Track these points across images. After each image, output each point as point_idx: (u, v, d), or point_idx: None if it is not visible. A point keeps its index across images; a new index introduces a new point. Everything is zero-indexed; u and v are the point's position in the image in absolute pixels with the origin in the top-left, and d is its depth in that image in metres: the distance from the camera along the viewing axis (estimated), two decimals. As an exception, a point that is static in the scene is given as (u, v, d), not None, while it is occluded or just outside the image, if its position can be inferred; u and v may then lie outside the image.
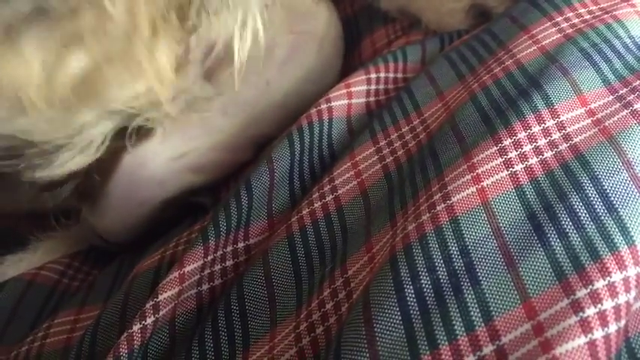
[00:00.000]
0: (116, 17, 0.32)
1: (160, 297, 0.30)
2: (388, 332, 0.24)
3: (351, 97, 0.40)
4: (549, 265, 0.24)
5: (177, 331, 0.31)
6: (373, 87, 0.42)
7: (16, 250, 0.46)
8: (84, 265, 0.45)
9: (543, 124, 0.30)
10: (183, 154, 0.41)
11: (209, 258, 0.32)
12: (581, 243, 0.25)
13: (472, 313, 0.24)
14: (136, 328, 0.29)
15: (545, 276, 0.24)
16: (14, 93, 0.32)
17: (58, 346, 0.35)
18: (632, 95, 0.30)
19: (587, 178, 0.27)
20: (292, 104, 0.45)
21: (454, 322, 0.24)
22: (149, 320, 0.29)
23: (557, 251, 0.25)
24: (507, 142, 0.29)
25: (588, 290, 0.23)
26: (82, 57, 0.33)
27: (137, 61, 0.34)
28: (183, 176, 0.41)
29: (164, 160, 0.41)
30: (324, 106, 0.39)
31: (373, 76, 0.42)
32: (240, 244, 0.34)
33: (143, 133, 0.40)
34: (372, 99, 0.42)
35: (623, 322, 0.23)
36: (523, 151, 0.29)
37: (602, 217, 0.25)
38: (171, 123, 0.40)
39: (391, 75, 0.43)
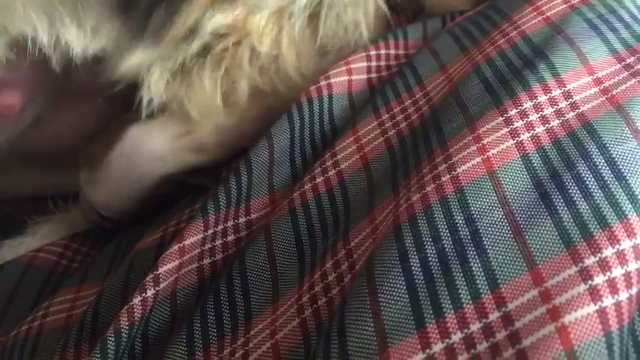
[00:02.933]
0: (264, 51, 0.40)
1: (160, 269, 0.29)
2: (393, 302, 0.24)
3: (350, 73, 0.40)
4: (557, 233, 0.24)
5: (178, 305, 0.30)
6: (374, 63, 0.41)
7: (14, 235, 0.45)
8: (82, 246, 0.45)
9: (549, 94, 0.29)
10: (187, 132, 0.41)
11: (209, 232, 0.32)
12: (589, 211, 0.24)
13: (478, 280, 0.23)
14: (136, 300, 0.28)
15: (553, 244, 0.24)
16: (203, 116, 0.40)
17: (59, 324, 0.35)
18: (640, 64, 0.30)
19: (594, 146, 0.26)
20: None
21: (460, 290, 0.23)
22: (149, 293, 0.29)
23: (564, 219, 0.24)
24: (513, 112, 0.29)
25: (597, 258, 0.23)
26: (245, 83, 0.40)
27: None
28: (185, 155, 0.41)
29: (167, 137, 0.40)
30: (323, 83, 0.39)
31: (373, 53, 0.41)
32: (242, 219, 0.34)
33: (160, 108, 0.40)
34: (373, 75, 0.41)
35: (634, 290, 0.22)
36: (529, 120, 0.28)
37: (611, 185, 0.25)
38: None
39: (392, 51, 0.43)
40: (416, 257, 0.25)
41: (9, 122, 0.42)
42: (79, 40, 0.37)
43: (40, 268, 0.42)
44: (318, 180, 0.33)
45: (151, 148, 0.40)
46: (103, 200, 0.41)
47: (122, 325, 0.28)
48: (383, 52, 0.43)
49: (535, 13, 0.35)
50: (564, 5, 0.35)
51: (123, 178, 0.40)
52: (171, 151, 0.41)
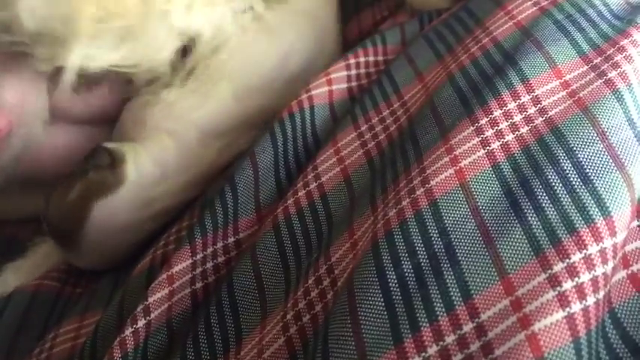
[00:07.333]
0: None
1: (150, 299, 0.30)
2: (372, 319, 0.24)
3: (331, 83, 0.41)
4: (526, 241, 0.24)
5: (175, 331, 0.31)
6: (354, 72, 0.42)
7: (16, 257, 0.46)
8: (85, 271, 0.46)
9: (519, 100, 0.30)
10: (150, 202, 0.42)
11: (198, 257, 0.33)
12: (557, 217, 0.25)
13: (452, 292, 0.24)
14: (127, 332, 0.29)
15: (523, 252, 0.24)
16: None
17: (64, 354, 0.36)
18: (606, 64, 0.30)
19: (562, 150, 0.27)
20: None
21: (435, 303, 0.24)
22: (140, 323, 0.30)
23: (534, 226, 0.25)
24: (483, 121, 0.29)
25: (565, 264, 0.23)
26: None
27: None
28: (152, 222, 0.42)
29: (132, 210, 0.41)
30: (304, 96, 0.39)
31: (352, 61, 0.42)
32: (231, 240, 0.34)
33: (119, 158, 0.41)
34: (353, 84, 0.42)
35: (601, 294, 0.23)
36: (499, 128, 0.29)
37: (578, 190, 0.25)
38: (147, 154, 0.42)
39: (371, 58, 0.43)
40: (393, 273, 0.25)
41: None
42: None
43: (45, 295, 0.43)
44: (300, 194, 0.34)
45: (119, 224, 0.41)
46: (88, 265, 0.43)
47: (116, 357, 0.29)
48: (362, 59, 0.43)
49: (506, 18, 0.36)
50: (534, 8, 0.35)
51: (100, 251, 0.41)
52: (139, 223, 0.42)
